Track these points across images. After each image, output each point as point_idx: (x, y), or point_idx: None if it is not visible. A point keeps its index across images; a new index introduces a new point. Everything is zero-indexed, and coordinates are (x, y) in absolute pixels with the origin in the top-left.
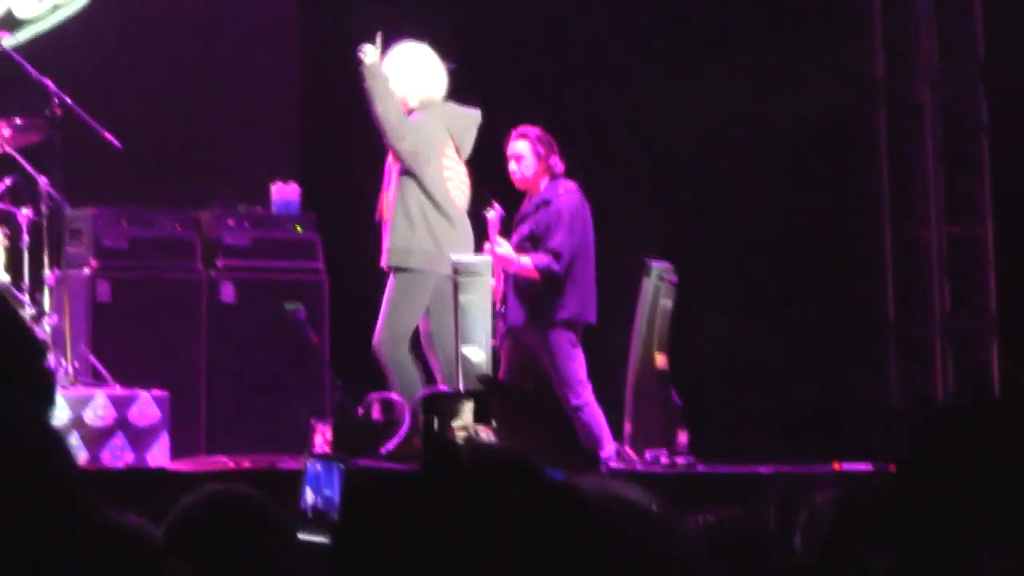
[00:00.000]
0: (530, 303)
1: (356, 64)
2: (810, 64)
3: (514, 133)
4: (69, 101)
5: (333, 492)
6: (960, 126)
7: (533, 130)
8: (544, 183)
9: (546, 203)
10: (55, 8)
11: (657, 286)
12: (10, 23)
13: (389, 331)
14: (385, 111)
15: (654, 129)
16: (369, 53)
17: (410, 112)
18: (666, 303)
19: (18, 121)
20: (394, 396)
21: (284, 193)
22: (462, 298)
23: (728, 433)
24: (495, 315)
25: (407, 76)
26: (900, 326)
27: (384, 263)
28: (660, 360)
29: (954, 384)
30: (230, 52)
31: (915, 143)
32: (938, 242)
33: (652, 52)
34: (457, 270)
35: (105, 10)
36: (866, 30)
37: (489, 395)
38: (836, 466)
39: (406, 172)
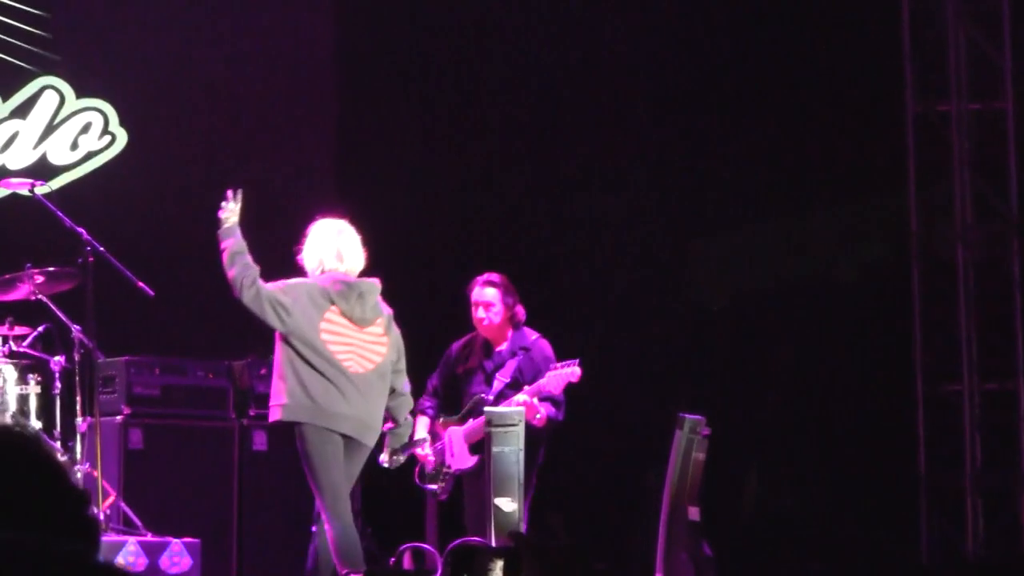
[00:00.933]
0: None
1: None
2: (845, 221)
3: (481, 281)
4: (102, 249)
5: None
6: (994, 283)
7: (500, 278)
8: (508, 331)
9: (524, 350)
10: (88, 156)
11: (690, 439)
12: (44, 171)
13: None
14: (229, 266)
15: (690, 286)
16: (230, 213)
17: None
18: (699, 456)
19: (51, 269)
20: (426, 546)
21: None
22: (495, 449)
23: None
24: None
25: (314, 249)
26: (932, 480)
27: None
28: (692, 512)
29: (985, 539)
30: (264, 209)
31: (948, 299)
32: (970, 398)
33: (691, 211)
34: (490, 420)
35: (138, 159)
36: (901, 186)
37: (520, 552)
38: None
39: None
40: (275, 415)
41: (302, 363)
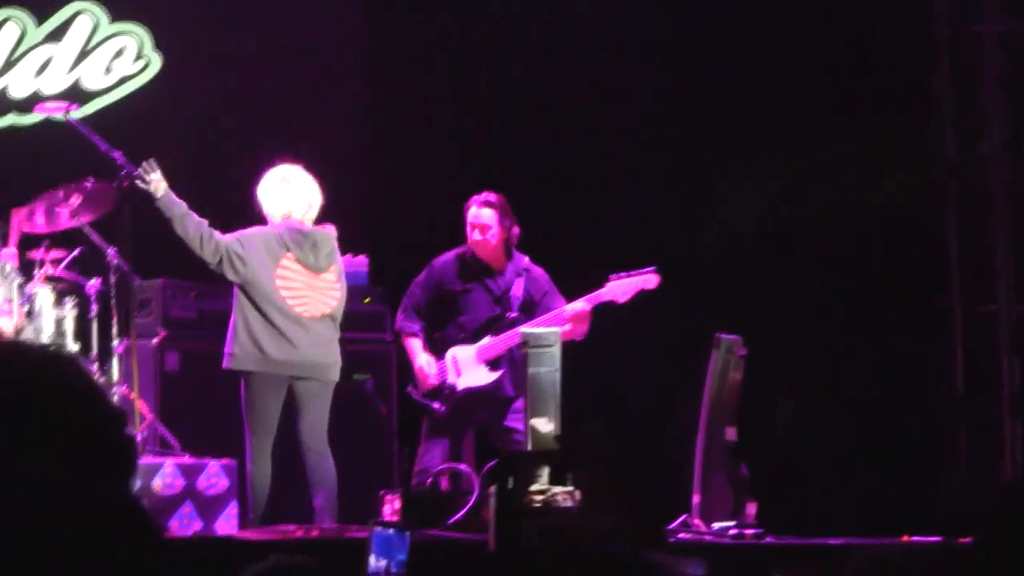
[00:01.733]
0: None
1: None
2: (881, 145)
3: (478, 201)
4: (136, 172)
5: (405, 556)
6: None
7: (497, 198)
8: (503, 252)
9: (526, 271)
10: (122, 81)
11: (727, 359)
12: (78, 96)
13: None
14: (183, 230)
15: (730, 209)
16: (156, 183)
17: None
18: (735, 376)
19: (87, 185)
20: (463, 467)
21: (353, 265)
22: (530, 370)
23: (797, 506)
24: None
25: (268, 195)
26: (969, 403)
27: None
28: (729, 433)
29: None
30: (300, 124)
31: (984, 221)
32: (1007, 318)
33: (729, 139)
34: (526, 341)
35: (172, 82)
36: (937, 111)
37: (566, 457)
38: (905, 539)
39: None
40: (225, 363)
41: (253, 311)
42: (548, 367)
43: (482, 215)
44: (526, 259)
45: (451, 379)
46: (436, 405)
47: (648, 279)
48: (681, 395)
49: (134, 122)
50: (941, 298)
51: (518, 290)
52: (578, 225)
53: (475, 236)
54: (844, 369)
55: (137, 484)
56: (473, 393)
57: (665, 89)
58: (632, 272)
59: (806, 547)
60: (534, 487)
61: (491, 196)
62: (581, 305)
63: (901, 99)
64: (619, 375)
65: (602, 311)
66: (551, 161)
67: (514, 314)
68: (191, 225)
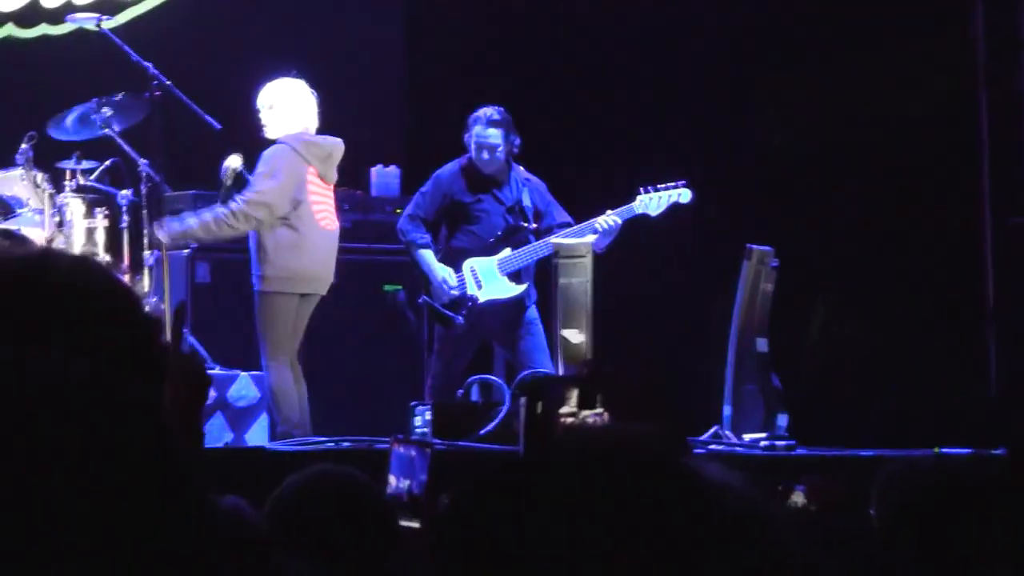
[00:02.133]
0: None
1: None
2: (910, 55)
3: (484, 120)
4: (168, 83)
5: (427, 476)
6: None
7: (501, 114)
8: (508, 165)
9: (527, 181)
10: None
11: (758, 270)
12: (109, 6)
13: None
14: (217, 237)
15: (759, 124)
16: (166, 237)
17: (273, 143)
18: (767, 287)
19: (118, 97)
20: (493, 378)
21: (384, 176)
22: (562, 281)
23: (829, 418)
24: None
25: (288, 108)
26: (1000, 313)
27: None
28: (760, 344)
29: None
30: (333, 36)
31: (1016, 132)
32: None
33: (757, 55)
34: (558, 252)
35: None
36: (968, 17)
37: (594, 380)
38: (937, 451)
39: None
40: (258, 285)
41: (283, 227)
42: (580, 278)
43: (489, 135)
44: (522, 169)
45: (471, 291)
46: (459, 317)
47: (681, 192)
48: (713, 306)
49: (166, 32)
50: (972, 209)
51: (527, 201)
52: (609, 139)
53: (483, 156)
54: (876, 281)
55: None
56: (493, 304)
57: (697, 9)
58: (662, 185)
59: (837, 458)
60: (563, 409)
61: (495, 113)
62: (613, 219)
63: (935, 10)
64: (651, 286)
65: (634, 223)
66: (582, 73)
67: (534, 225)
68: (213, 225)
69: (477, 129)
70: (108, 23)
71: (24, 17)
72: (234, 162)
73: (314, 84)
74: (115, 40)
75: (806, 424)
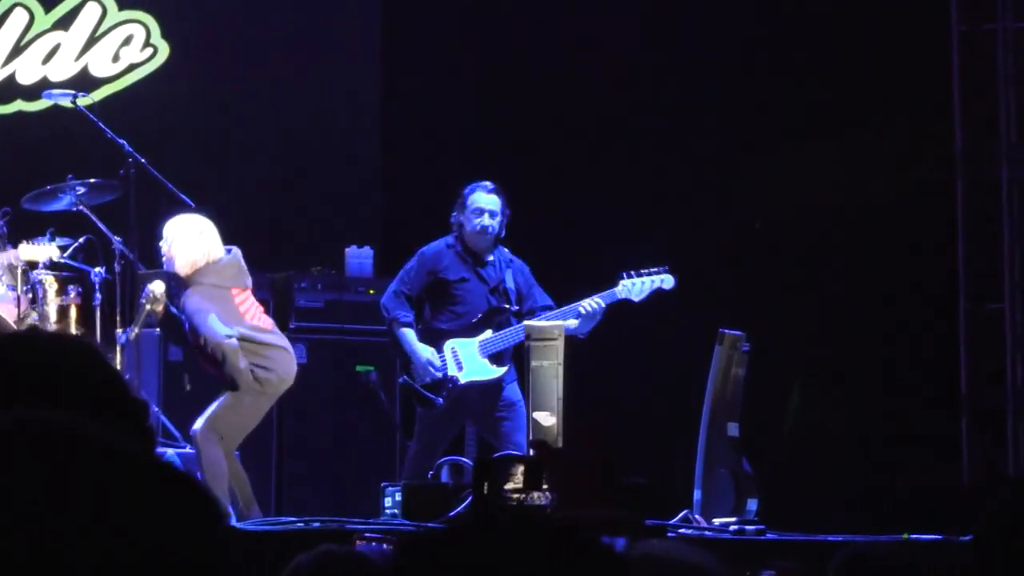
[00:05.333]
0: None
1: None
2: (888, 142)
3: (486, 187)
4: (143, 160)
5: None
6: None
7: (496, 186)
8: (495, 243)
9: (511, 262)
10: (130, 68)
11: (730, 354)
12: (85, 83)
13: None
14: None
15: (733, 204)
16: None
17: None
18: (738, 371)
19: (93, 180)
20: (464, 460)
21: (358, 257)
22: (534, 363)
23: (799, 503)
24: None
25: (174, 248)
26: (973, 400)
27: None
28: (731, 428)
29: None
30: (307, 115)
31: (992, 218)
32: (1012, 316)
33: (735, 131)
34: (530, 335)
35: (180, 71)
36: (946, 106)
37: (543, 461)
38: (905, 536)
39: None
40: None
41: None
42: (551, 360)
43: (493, 201)
44: (507, 250)
45: (452, 372)
46: (440, 398)
47: (664, 278)
48: (687, 388)
49: (141, 110)
50: (946, 295)
51: (511, 282)
52: (585, 220)
53: (484, 221)
54: (852, 361)
55: None
56: (473, 386)
57: (671, 86)
58: (644, 270)
59: (806, 543)
60: (509, 485)
61: (490, 183)
62: (596, 302)
63: (913, 94)
64: (623, 370)
65: (615, 305)
66: (555, 153)
67: (516, 308)
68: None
69: (476, 196)
70: (84, 100)
71: None
72: (158, 288)
73: (291, 165)
74: (90, 117)
75: (777, 509)
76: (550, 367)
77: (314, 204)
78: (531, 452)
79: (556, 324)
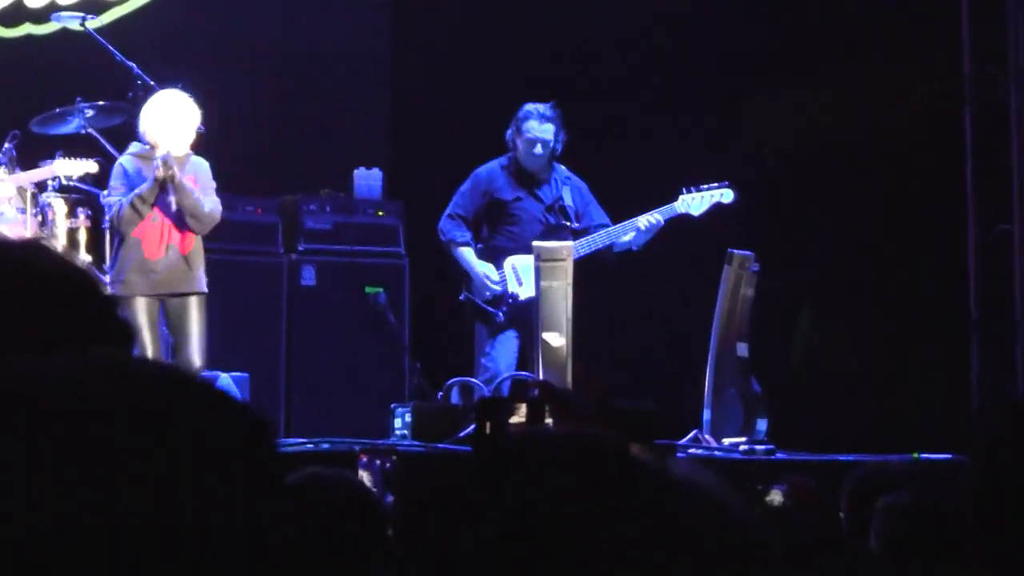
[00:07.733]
0: None
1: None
2: (897, 68)
3: (539, 115)
4: (152, 83)
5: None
6: None
7: (554, 110)
8: (551, 163)
9: (568, 179)
10: None
11: (739, 274)
12: (94, 6)
13: None
14: (195, 210)
15: (747, 130)
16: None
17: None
18: (747, 292)
19: (102, 103)
20: (474, 381)
21: (367, 178)
22: (543, 284)
23: (808, 423)
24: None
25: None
26: (982, 323)
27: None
28: (740, 348)
29: None
30: (318, 38)
31: (1000, 143)
32: (1021, 240)
33: (744, 65)
34: (539, 255)
35: None
36: (955, 29)
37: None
38: (915, 455)
39: None
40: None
41: None
42: (560, 281)
43: (547, 130)
44: (563, 167)
45: (512, 288)
46: (500, 313)
47: (724, 192)
48: (695, 309)
49: (150, 33)
50: (957, 217)
51: (568, 200)
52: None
53: (536, 151)
54: (861, 287)
55: None
56: (531, 303)
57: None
58: (704, 185)
59: (816, 463)
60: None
61: (548, 109)
62: (656, 217)
63: (923, 21)
64: (633, 290)
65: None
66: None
67: (575, 224)
68: (205, 208)
69: (530, 124)
70: (93, 23)
71: (8, 16)
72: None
73: (299, 86)
74: (99, 40)
75: (786, 428)
76: (559, 288)
77: (323, 125)
78: (535, 392)
79: (565, 244)
